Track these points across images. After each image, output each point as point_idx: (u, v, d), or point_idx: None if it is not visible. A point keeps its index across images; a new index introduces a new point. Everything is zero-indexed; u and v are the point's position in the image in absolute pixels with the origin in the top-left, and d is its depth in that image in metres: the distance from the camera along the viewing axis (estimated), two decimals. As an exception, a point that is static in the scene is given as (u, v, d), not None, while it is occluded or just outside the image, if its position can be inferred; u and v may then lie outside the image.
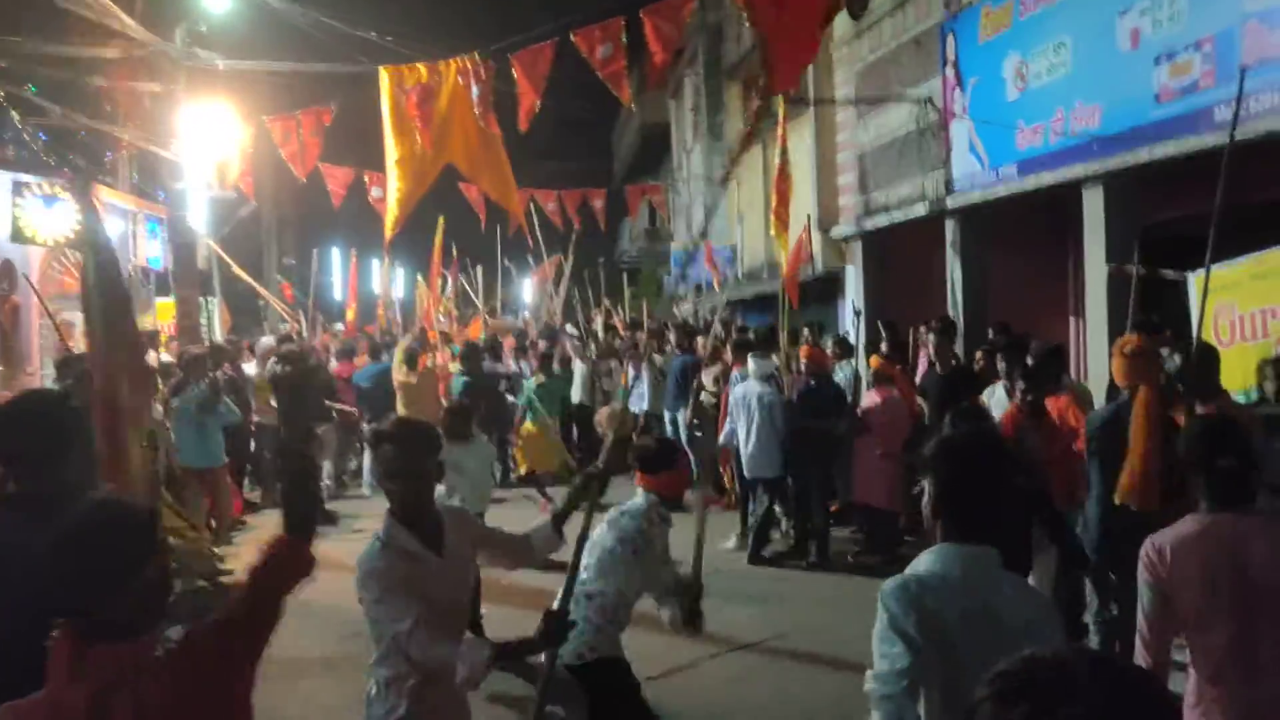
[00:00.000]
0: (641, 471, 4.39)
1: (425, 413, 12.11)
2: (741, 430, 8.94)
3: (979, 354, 8.66)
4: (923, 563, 2.42)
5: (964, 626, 2.26)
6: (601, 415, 12.43)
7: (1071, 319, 12.11)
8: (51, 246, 14.02)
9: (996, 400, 6.91)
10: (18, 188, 13.15)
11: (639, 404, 12.80)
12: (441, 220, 17.05)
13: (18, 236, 13.26)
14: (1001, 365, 7.17)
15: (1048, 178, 9.87)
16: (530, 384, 12.44)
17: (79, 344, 13.61)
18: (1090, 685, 1.13)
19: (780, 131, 12.32)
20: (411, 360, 12.18)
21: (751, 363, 9.08)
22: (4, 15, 14.04)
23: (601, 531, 4.24)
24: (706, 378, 11.07)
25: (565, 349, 14.19)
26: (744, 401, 8.95)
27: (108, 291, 3.95)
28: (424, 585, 3.09)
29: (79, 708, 1.92)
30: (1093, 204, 9.50)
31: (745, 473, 9.16)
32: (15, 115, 14.81)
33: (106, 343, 3.88)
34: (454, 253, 19.20)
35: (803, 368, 9.27)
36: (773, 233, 13.27)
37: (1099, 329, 9.40)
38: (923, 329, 10.02)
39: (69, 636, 1.98)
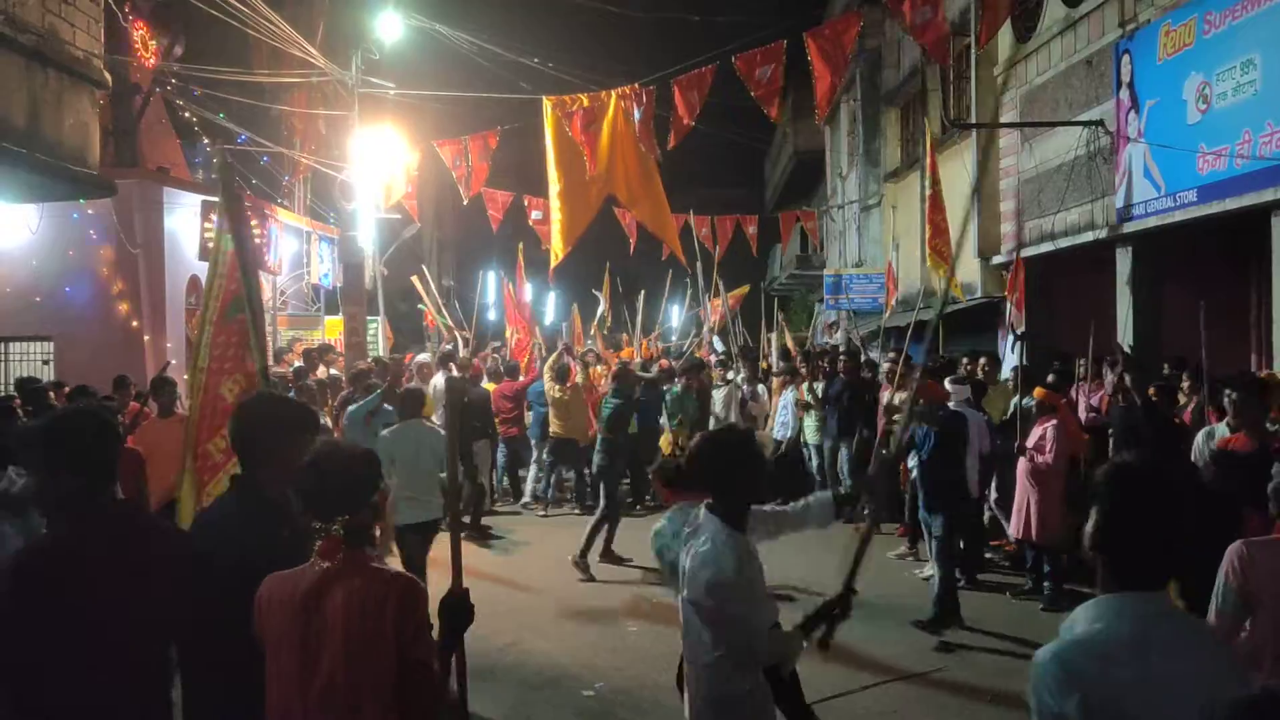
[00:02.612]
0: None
1: (574, 428, 12.45)
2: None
3: (1152, 390, 8.23)
4: (1081, 619, 2.03)
5: (1143, 698, 1.87)
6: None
7: (1253, 355, 11.39)
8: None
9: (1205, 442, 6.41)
10: (207, 209, 14.06)
11: (782, 431, 12.73)
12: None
13: (206, 255, 14.16)
14: (1232, 404, 6.27)
15: (1232, 203, 9.35)
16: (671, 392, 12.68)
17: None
18: None
19: (929, 160, 12.03)
20: (562, 376, 12.50)
21: (951, 387, 8.96)
22: (199, 47, 15.08)
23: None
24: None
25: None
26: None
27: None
28: (759, 575, 3.33)
29: (314, 580, 2.64)
30: (1283, 231, 8.94)
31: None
32: (206, 140, 15.85)
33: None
34: (606, 277, 19.47)
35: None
36: (929, 265, 13.00)
37: (1288, 365, 8.82)
38: (1104, 363, 9.66)
39: (333, 536, 2.66)
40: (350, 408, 9.50)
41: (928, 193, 12.62)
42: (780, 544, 3.77)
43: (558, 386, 12.53)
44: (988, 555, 9.61)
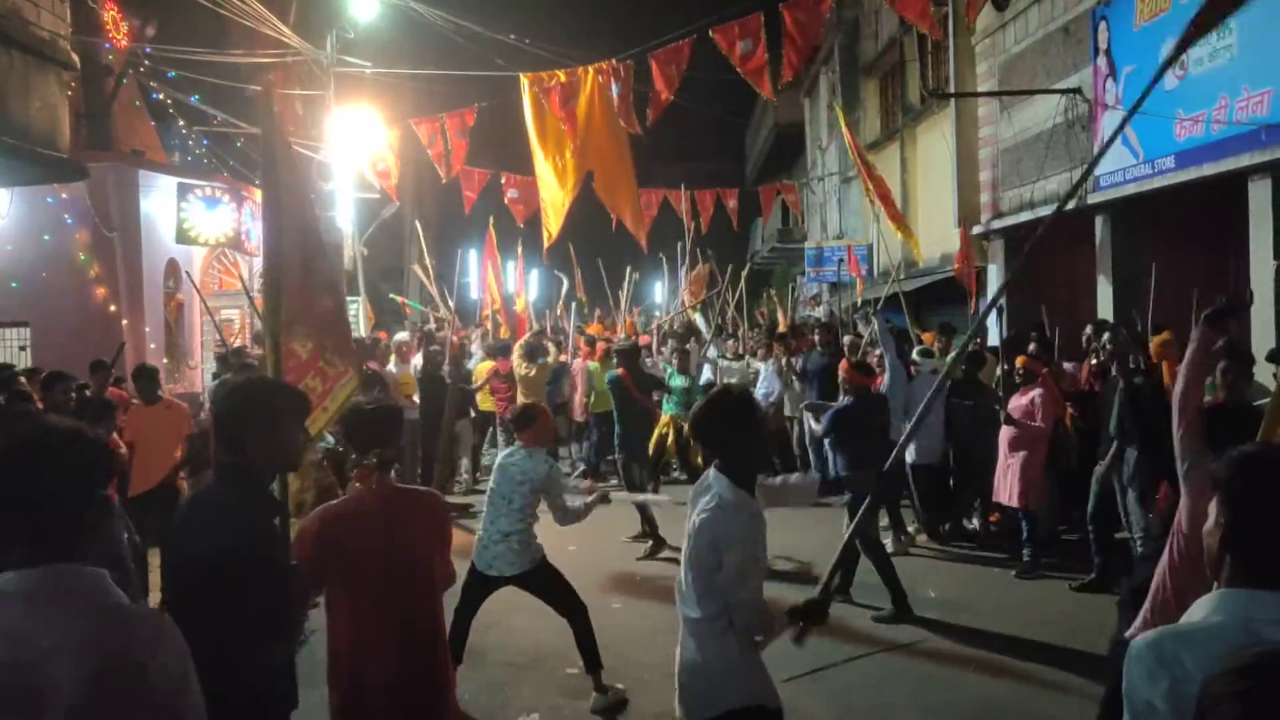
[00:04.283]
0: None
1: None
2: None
3: (1094, 362, 8.32)
4: (1198, 611, 1.90)
5: None
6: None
7: (1231, 322, 11.45)
8: (212, 246, 14.73)
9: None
10: (183, 191, 13.92)
11: (765, 400, 12.73)
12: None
13: (182, 238, 14.04)
14: (1222, 375, 5.66)
15: (1209, 169, 9.37)
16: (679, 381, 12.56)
17: (237, 339, 14.39)
18: None
19: (851, 144, 11.95)
20: (532, 355, 12.47)
21: (918, 359, 9.65)
22: (172, 28, 14.89)
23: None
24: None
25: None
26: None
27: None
28: (762, 538, 3.41)
29: (376, 507, 3.42)
30: (1259, 196, 8.96)
31: (912, 460, 9.21)
32: (181, 123, 15.66)
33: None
34: (571, 253, 19.42)
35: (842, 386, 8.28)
36: (897, 236, 13.03)
37: (1265, 329, 8.85)
38: (1088, 331, 9.68)
39: (370, 468, 3.46)
40: None
41: (916, 159, 12.58)
42: (769, 515, 3.77)
43: (524, 363, 12.50)
44: (971, 526, 9.66)
